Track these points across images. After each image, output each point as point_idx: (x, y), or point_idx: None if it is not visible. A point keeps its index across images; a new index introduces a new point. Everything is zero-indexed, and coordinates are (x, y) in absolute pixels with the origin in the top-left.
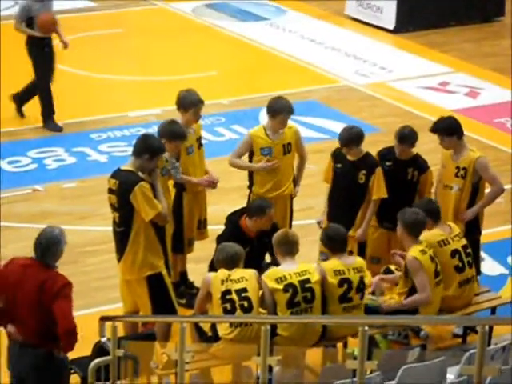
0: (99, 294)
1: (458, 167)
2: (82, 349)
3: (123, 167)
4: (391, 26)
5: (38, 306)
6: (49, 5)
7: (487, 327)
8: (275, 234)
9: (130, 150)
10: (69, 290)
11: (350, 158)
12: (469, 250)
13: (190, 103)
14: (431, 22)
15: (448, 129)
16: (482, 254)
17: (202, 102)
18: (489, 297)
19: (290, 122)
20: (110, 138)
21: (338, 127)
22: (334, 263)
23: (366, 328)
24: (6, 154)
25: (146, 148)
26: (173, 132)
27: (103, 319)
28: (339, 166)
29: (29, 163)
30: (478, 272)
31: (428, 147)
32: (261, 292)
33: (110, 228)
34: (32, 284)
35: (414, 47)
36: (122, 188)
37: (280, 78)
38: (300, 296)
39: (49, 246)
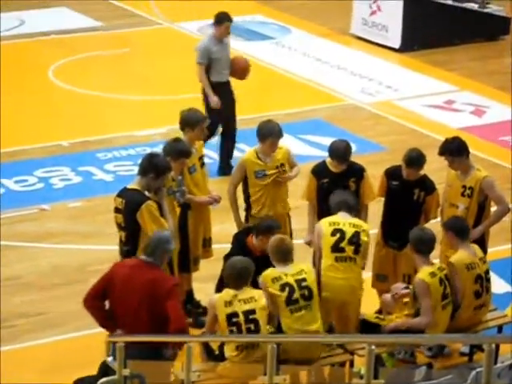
0: None
1: (464, 186)
2: (88, 368)
3: (129, 186)
4: (397, 45)
5: (146, 305)
6: (227, 45)
7: (494, 345)
8: (270, 241)
9: (136, 169)
10: (178, 289)
11: (335, 170)
12: (489, 276)
13: (196, 121)
14: (436, 41)
15: (458, 149)
16: None
17: (207, 118)
18: (495, 315)
19: (281, 143)
20: (116, 158)
21: None
22: (332, 218)
23: (373, 347)
24: (12, 173)
25: (152, 167)
26: (178, 150)
27: (110, 338)
28: (325, 180)
29: (35, 182)
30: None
31: (435, 166)
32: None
33: (117, 247)
34: (140, 283)
35: (420, 66)
36: (129, 207)
37: (285, 97)
38: (298, 293)
39: (158, 244)
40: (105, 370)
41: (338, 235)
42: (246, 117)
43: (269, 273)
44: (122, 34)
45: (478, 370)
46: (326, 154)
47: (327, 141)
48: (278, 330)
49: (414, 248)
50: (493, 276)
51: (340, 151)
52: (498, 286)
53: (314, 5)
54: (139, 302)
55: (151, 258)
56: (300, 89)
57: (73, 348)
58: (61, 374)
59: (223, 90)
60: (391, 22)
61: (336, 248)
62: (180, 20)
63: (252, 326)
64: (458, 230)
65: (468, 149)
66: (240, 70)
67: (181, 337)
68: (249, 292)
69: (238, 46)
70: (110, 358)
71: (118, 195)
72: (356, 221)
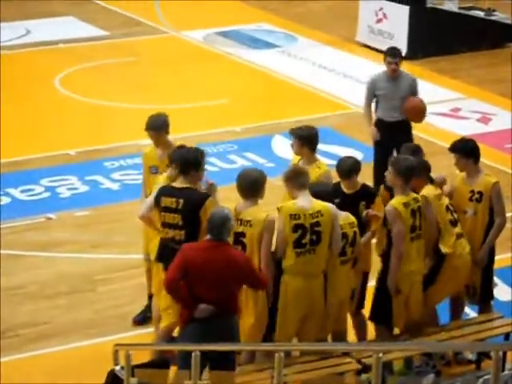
0: (112, 322)
1: (472, 191)
2: (95, 377)
3: (177, 185)
4: (402, 53)
5: (227, 283)
6: (403, 85)
7: (501, 353)
8: (285, 172)
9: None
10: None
11: (347, 191)
12: (453, 209)
13: (157, 125)
14: (442, 49)
15: (465, 150)
16: (495, 279)
17: (149, 128)
18: (502, 322)
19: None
20: (123, 166)
21: (350, 154)
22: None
23: (381, 355)
24: (19, 182)
25: (188, 164)
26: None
27: (117, 347)
28: (336, 200)
29: (42, 192)
30: (491, 297)
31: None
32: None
33: (123, 256)
34: (220, 263)
35: (426, 73)
36: (190, 205)
37: (292, 105)
38: (308, 238)
39: (224, 222)
40: (113, 378)
41: (344, 241)
42: (252, 125)
43: (290, 206)
44: (128, 42)
45: (486, 377)
46: (334, 162)
47: (334, 149)
48: (278, 267)
49: (403, 176)
50: (500, 283)
51: (341, 167)
52: (504, 293)
53: (319, 13)
54: (224, 281)
55: (219, 237)
56: (306, 97)
57: (79, 357)
58: None
59: (390, 131)
60: (397, 30)
61: (342, 253)
62: (186, 29)
63: (239, 248)
64: (426, 169)
65: (477, 154)
66: (411, 109)
67: (192, 345)
68: (251, 214)
69: (243, 55)
70: (117, 367)
71: (167, 195)
72: (350, 218)
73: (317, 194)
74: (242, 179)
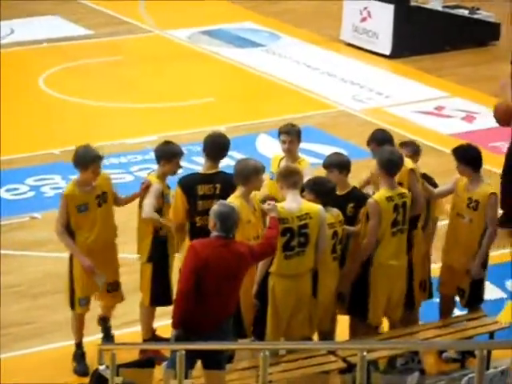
0: (97, 322)
1: (470, 198)
2: (79, 377)
3: (207, 171)
4: (387, 52)
5: (236, 281)
6: None
7: (485, 351)
8: (278, 170)
9: (127, 176)
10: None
11: (338, 192)
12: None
13: (90, 160)
14: (427, 47)
15: (465, 158)
16: None
17: (99, 159)
18: (486, 321)
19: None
20: (107, 166)
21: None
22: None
23: (365, 353)
24: (3, 181)
25: (220, 148)
26: (170, 152)
27: (102, 346)
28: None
29: (26, 191)
30: (480, 302)
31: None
32: None
33: None
34: (233, 260)
35: (410, 72)
36: (226, 188)
37: (276, 104)
38: (296, 241)
39: (230, 218)
40: (98, 378)
41: (335, 239)
42: (237, 124)
43: (279, 210)
44: (113, 41)
45: (470, 375)
46: (318, 160)
47: (318, 148)
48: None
49: (383, 169)
50: (486, 282)
51: (324, 160)
52: (490, 292)
53: (303, 11)
54: (233, 280)
55: (227, 233)
56: (290, 96)
57: (64, 356)
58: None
59: None
60: (382, 29)
61: (333, 250)
62: (170, 28)
63: None
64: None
65: (478, 162)
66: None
67: (176, 344)
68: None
69: (228, 54)
70: (102, 367)
71: (202, 182)
72: (340, 215)
73: (322, 191)
74: (236, 165)
